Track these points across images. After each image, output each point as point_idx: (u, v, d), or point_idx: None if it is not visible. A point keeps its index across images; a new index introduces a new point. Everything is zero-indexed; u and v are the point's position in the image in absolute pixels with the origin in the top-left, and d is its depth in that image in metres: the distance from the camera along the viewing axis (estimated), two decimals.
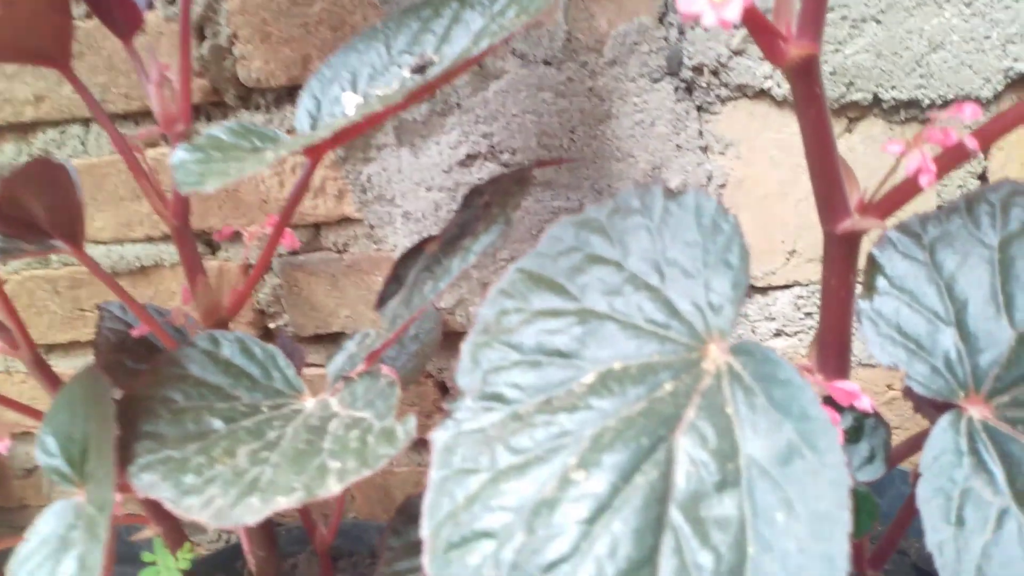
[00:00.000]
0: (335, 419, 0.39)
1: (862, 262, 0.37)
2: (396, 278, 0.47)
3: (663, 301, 0.31)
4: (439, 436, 0.31)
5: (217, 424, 0.41)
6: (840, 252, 0.36)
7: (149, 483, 0.37)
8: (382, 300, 0.47)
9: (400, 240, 0.73)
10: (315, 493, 0.33)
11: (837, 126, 0.60)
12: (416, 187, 0.70)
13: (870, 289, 0.35)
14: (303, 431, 0.39)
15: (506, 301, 0.33)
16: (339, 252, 0.75)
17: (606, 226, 0.33)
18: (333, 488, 0.33)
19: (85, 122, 0.74)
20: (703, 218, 0.31)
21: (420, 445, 0.84)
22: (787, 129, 0.61)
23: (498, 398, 0.31)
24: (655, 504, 0.26)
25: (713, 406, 0.28)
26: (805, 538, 0.24)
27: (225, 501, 0.35)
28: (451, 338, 0.75)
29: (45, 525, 0.43)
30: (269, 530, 0.61)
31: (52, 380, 0.49)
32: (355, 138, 0.67)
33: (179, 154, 0.42)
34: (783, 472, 0.26)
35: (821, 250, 0.36)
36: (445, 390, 0.79)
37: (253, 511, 0.33)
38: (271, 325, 0.79)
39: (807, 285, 0.66)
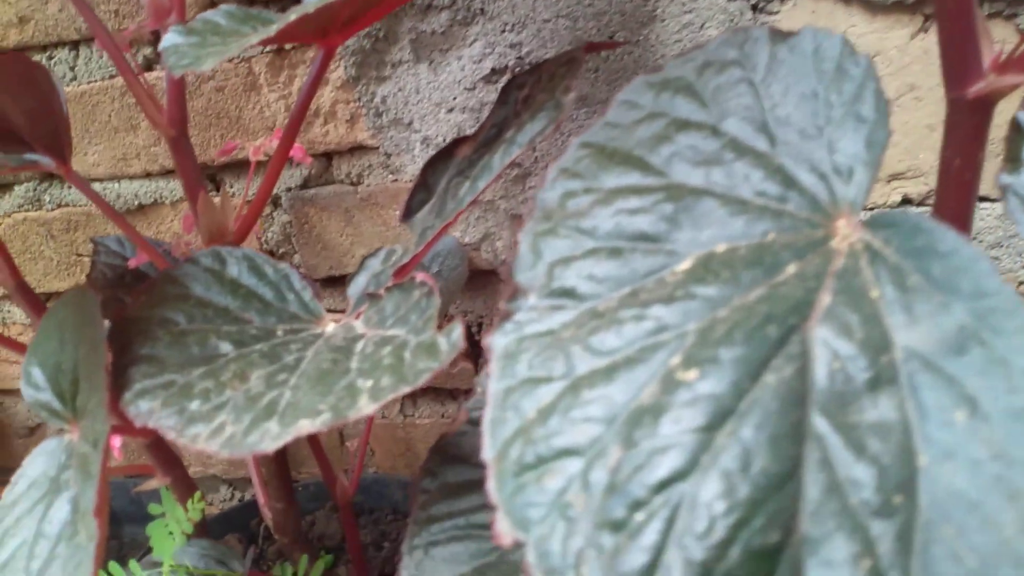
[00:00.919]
0: (362, 340, 0.34)
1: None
2: (424, 186, 0.41)
3: (774, 169, 0.25)
4: (497, 341, 0.25)
5: (225, 347, 0.35)
6: (969, 123, 0.29)
7: (147, 411, 0.31)
8: (409, 211, 0.41)
9: (419, 169, 0.66)
10: (344, 415, 0.28)
11: None
12: (436, 108, 0.63)
13: (1014, 161, 0.29)
14: (326, 351, 0.33)
15: (571, 182, 0.27)
16: (353, 184, 0.69)
17: (694, 84, 0.27)
18: (365, 408, 0.28)
19: (74, 45, 0.68)
20: (824, 63, 0.25)
21: (444, 396, 0.78)
22: (855, 29, 0.54)
23: (569, 294, 0.25)
24: (793, 407, 0.20)
25: (852, 290, 0.22)
26: (1001, 442, 0.18)
27: (237, 428, 0.29)
28: (476, 278, 0.69)
29: (34, 467, 0.38)
30: (287, 481, 0.56)
31: (37, 308, 0.44)
32: (375, 21, 0.60)
33: (171, 37, 0.36)
34: (957, 364, 0.20)
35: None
36: (471, 336, 0.73)
37: (271, 437, 0.28)
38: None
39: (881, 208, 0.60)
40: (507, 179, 0.64)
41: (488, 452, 0.23)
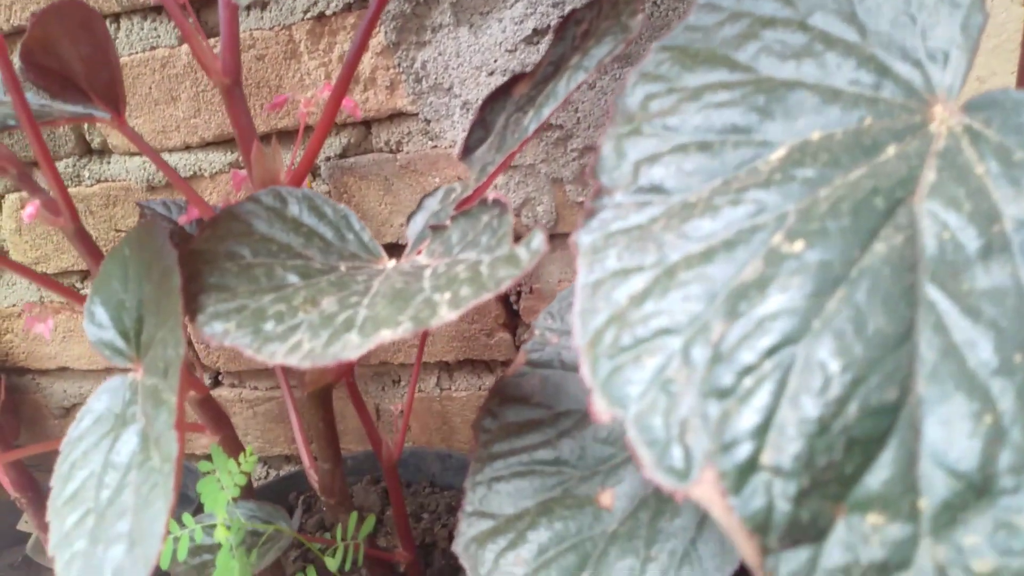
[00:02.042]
0: (429, 268, 0.33)
1: None
2: (482, 123, 0.41)
3: (866, 58, 0.25)
4: (583, 239, 0.25)
5: (292, 278, 0.35)
6: None
7: (222, 331, 0.31)
8: (467, 149, 0.41)
9: (459, 135, 0.66)
10: (427, 323, 0.27)
11: None
12: (476, 72, 0.63)
13: None
14: (396, 276, 0.33)
15: (653, 84, 0.27)
16: (392, 152, 0.69)
17: None
18: (447, 315, 0.27)
19: (115, 17, 0.69)
20: None
21: (481, 368, 0.78)
22: None
23: (657, 189, 0.25)
24: (904, 274, 0.20)
25: (956, 167, 0.22)
26: None
27: (316, 343, 0.29)
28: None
29: (99, 403, 0.38)
30: (333, 440, 0.56)
31: (95, 254, 0.44)
32: None
33: None
34: None
35: None
36: (509, 305, 0.73)
37: (353, 346, 0.28)
38: None
39: None
40: (548, 142, 0.64)
41: (580, 340, 0.23)
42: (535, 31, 0.61)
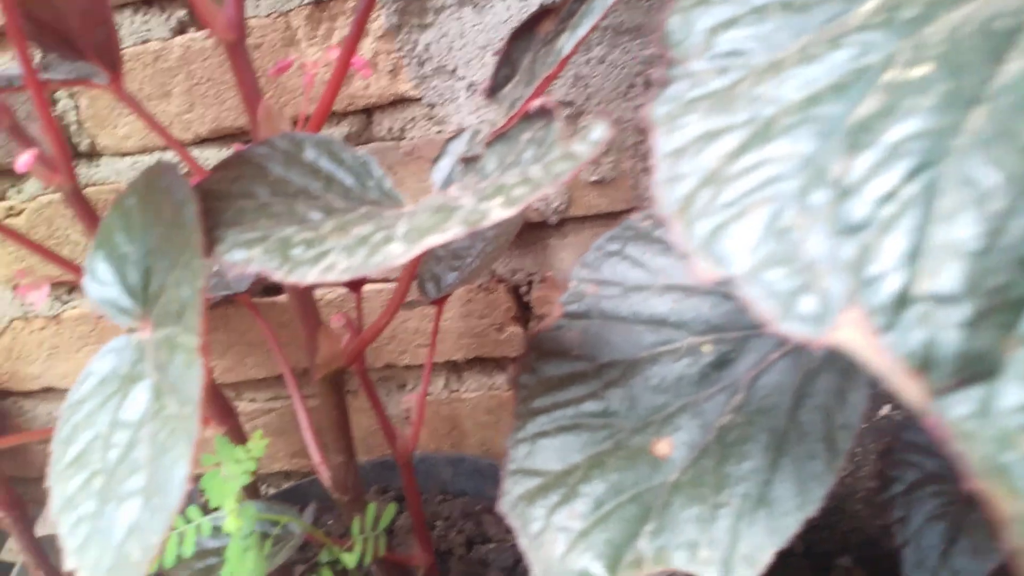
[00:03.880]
0: (468, 193, 0.31)
1: None
2: (508, 61, 0.39)
3: None
4: (658, 110, 0.23)
5: (316, 215, 0.32)
6: None
7: (245, 258, 0.28)
8: (493, 88, 0.38)
9: (465, 118, 0.64)
10: (479, 223, 0.25)
11: None
12: (481, 52, 0.62)
13: None
14: (431, 201, 0.31)
15: None
16: (395, 139, 0.67)
17: None
18: (503, 213, 0.25)
19: None
20: None
21: (491, 366, 0.75)
22: None
23: (736, 54, 0.23)
24: None
25: None
26: None
27: (353, 261, 0.26)
28: (525, 233, 0.67)
29: (102, 364, 0.34)
30: (346, 431, 0.53)
31: (92, 218, 0.41)
32: None
33: None
34: None
35: None
36: (519, 297, 0.70)
37: (395, 255, 0.25)
38: None
39: None
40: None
41: (667, 208, 0.21)
42: (542, 7, 0.59)
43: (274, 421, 0.83)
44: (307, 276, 0.26)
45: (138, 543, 0.26)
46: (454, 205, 0.28)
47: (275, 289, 0.76)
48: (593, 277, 0.39)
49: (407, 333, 0.74)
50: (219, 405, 0.50)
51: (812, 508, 0.30)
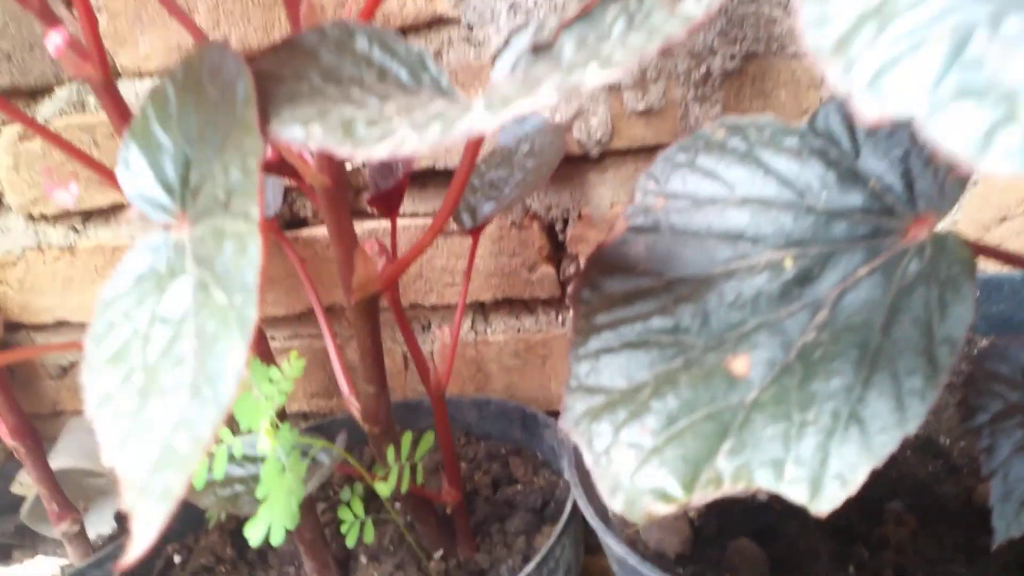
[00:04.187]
0: (548, 74, 0.28)
1: None
2: None
3: None
4: None
5: (373, 100, 0.29)
6: None
7: (304, 134, 0.26)
8: None
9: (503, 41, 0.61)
10: (575, 86, 0.22)
11: None
12: None
13: None
14: (506, 83, 0.28)
15: None
16: None
17: None
18: (600, 75, 0.22)
19: None
20: None
21: (520, 308, 0.72)
22: None
23: None
24: None
25: None
26: None
27: (427, 135, 0.24)
28: (563, 167, 0.64)
29: (139, 260, 0.32)
30: (379, 360, 0.50)
31: (123, 114, 0.38)
32: None
33: None
34: None
35: None
36: (554, 235, 0.68)
37: (480, 122, 0.22)
38: (348, 167, 0.68)
39: None
40: None
41: (820, 50, 0.18)
42: None
43: None
44: (375, 150, 0.24)
45: (187, 436, 0.24)
46: (539, 78, 0.25)
47: (299, 222, 0.73)
48: (661, 190, 0.36)
49: (435, 271, 0.71)
50: None
51: (912, 425, 0.27)
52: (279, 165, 0.49)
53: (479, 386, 0.77)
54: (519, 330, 0.73)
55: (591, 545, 0.79)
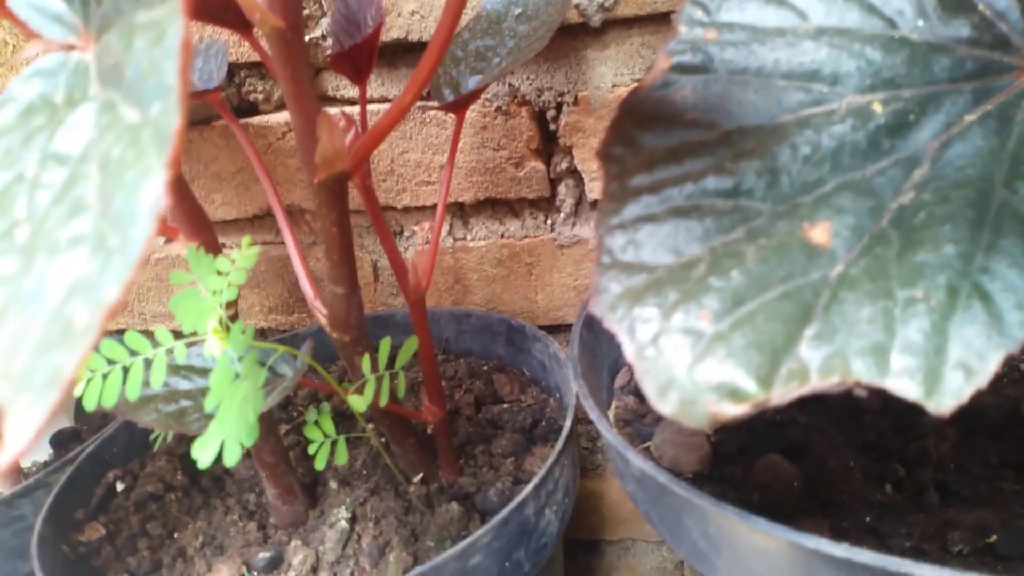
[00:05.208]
0: None
1: None
2: None
3: None
4: None
5: None
6: None
7: None
8: None
9: None
10: None
11: None
12: None
13: None
14: None
15: None
16: None
17: None
18: None
19: None
20: None
21: (503, 210, 0.65)
22: None
23: None
24: None
25: None
26: None
27: None
28: (554, 43, 0.55)
29: (25, 89, 0.24)
30: (349, 258, 0.43)
31: None
32: None
33: None
34: None
35: None
36: (544, 124, 0.60)
37: None
38: (306, 37, 0.59)
39: None
40: None
41: None
42: None
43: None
44: None
45: (85, 302, 0.16)
46: None
47: (250, 108, 0.64)
48: (712, 19, 0.29)
49: (407, 167, 0.63)
50: (189, 211, 0.40)
51: None
52: (219, 7, 0.40)
53: (457, 299, 0.69)
54: (503, 235, 0.66)
55: (583, 469, 0.74)
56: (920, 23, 0.27)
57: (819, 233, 0.25)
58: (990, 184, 0.24)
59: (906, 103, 0.26)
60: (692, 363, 0.23)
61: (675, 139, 0.28)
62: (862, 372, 0.22)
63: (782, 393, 0.22)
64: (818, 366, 0.22)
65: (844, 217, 0.25)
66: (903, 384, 0.21)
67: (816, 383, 0.22)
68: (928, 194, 0.25)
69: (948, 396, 0.21)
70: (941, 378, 0.21)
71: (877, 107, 0.26)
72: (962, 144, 0.25)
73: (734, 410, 0.22)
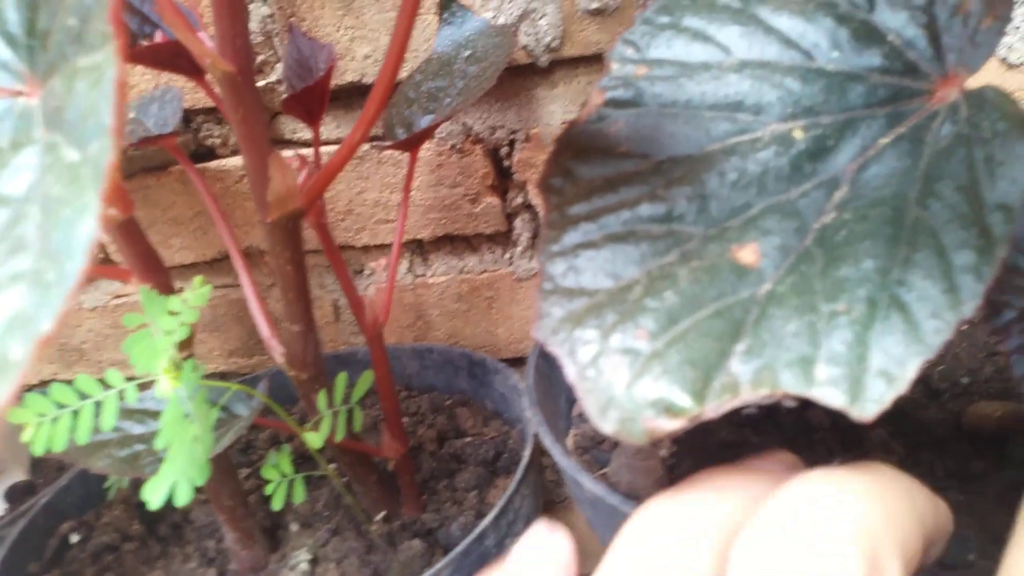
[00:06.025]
0: None
1: None
2: None
3: None
4: None
5: None
6: None
7: None
8: None
9: None
10: None
11: None
12: None
13: None
14: None
15: None
16: None
17: None
18: None
19: None
20: None
21: (462, 247, 0.66)
22: None
23: None
24: None
25: None
26: None
27: None
28: (506, 81, 0.57)
29: None
30: (304, 294, 0.43)
31: None
32: None
33: None
34: None
35: None
36: (499, 161, 0.61)
37: None
38: (261, 82, 0.60)
39: None
40: None
41: None
42: None
43: (206, 314, 0.72)
44: None
45: (19, 336, 0.17)
46: None
47: (208, 153, 0.64)
48: (642, 56, 0.30)
49: (365, 206, 0.64)
50: (141, 254, 0.40)
51: (969, 307, 0.22)
52: (171, 54, 0.41)
53: (419, 335, 0.70)
54: (462, 270, 0.67)
55: (549, 501, 0.74)
56: (835, 54, 0.29)
57: (747, 254, 0.26)
58: (905, 202, 0.25)
59: (825, 129, 0.28)
60: (630, 381, 0.24)
61: (611, 169, 0.29)
62: (790, 383, 0.23)
63: (715, 406, 0.23)
64: (749, 379, 0.23)
65: (771, 238, 0.26)
66: (828, 393, 0.22)
67: (747, 396, 0.23)
68: (848, 213, 0.26)
69: (871, 403, 0.22)
70: (864, 386, 0.22)
71: (798, 134, 0.28)
72: (878, 166, 0.27)
73: (670, 425, 0.23)
